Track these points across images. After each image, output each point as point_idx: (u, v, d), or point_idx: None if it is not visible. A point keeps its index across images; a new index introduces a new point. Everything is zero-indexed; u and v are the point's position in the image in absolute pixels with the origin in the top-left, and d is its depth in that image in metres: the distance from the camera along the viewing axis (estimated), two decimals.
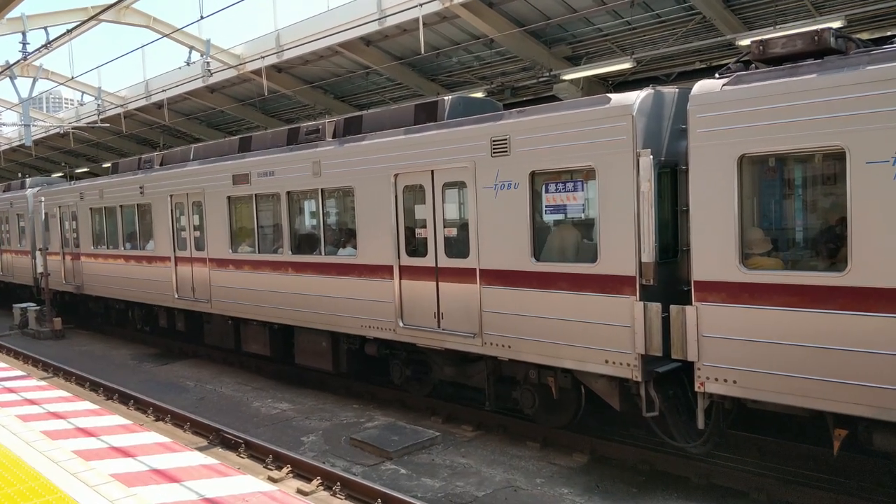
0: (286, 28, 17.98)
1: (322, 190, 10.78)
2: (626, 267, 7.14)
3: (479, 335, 8.62)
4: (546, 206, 8.00)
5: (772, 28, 11.52)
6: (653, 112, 7.16)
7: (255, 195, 12.03)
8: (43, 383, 10.88)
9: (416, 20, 13.42)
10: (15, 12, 15.29)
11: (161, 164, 15.29)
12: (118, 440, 7.14)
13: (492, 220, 8.39)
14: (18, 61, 17.64)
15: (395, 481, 7.92)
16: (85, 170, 34.54)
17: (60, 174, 34.56)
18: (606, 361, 7.37)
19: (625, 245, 7.13)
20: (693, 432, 7.25)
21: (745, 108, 6.19)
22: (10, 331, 20.08)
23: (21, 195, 21.54)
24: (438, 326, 9.14)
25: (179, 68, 19.02)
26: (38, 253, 19.69)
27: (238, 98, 21.59)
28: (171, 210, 14.21)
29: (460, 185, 8.85)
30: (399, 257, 9.62)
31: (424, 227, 9.31)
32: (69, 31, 15.73)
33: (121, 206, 16.12)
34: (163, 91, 21.00)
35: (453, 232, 9.02)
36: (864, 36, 11.54)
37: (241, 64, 18.67)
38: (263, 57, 17.29)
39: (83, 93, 24.59)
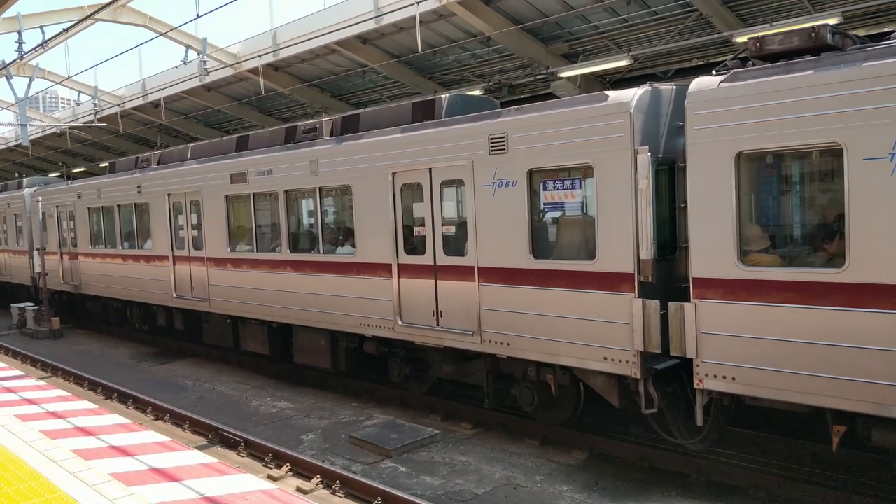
0: (283, 26, 17.94)
1: (320, 188, 10.77)
2: (625, 264, 7.14)
3: (477, 333, 8.62)
4: (544, 204, 8.00)
5: (768, 25, 11.53)
6: (650, 109, 7.17)
7: (253, 194, 12.02)
8: (42, 383, 10.87)
9: (413, 18, 13.40)
10: (10, 11, 15.23)
11: (158, 164, 15.27)
12: (117, 439, 7.14)
13: (490, 217, 8.39)
14: (14, 61, 17.60)
15: (394, 479, 7.93)
16: (82, 169, 34.47)
17: (57, 174, 34.50)
18: (605, 359, 7.38)
19: (623, 242, 7.14)
20: (692, 429, 7.27)
21: (743, 105, 6.20)
22: (8, 331, 20.06)
23: (18, 195, 21.50)
24: (437, 324, 9.15)
25: (176, 67, 18.96)
26: (35, 253, 19.66)
27: (235, 97, 21.56)
28: (169, 209, 14.19)
29: (458, 184, 8.85)
30: (397, 255, 9.62)
31: (423, 225, 9.31)
32: (65, 31, 15.69)
33: (118, 206, 16.09)
34: (159, 90, 20.96)
35: (451, 230, 9.02)
36: (861, 32, 11.55)
37: (237, 63, 18.63)
38: (260, 55, 17.26)
39: (80, 92, 24.55)
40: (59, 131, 26.62)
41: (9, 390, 9.60)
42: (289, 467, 8.20)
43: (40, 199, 19.68)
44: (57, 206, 19.03)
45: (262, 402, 11.48)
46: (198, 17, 13.20)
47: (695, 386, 6.72)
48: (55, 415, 8.16)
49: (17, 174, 37.52)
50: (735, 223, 6.30)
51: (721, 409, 6.96)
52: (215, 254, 13.03)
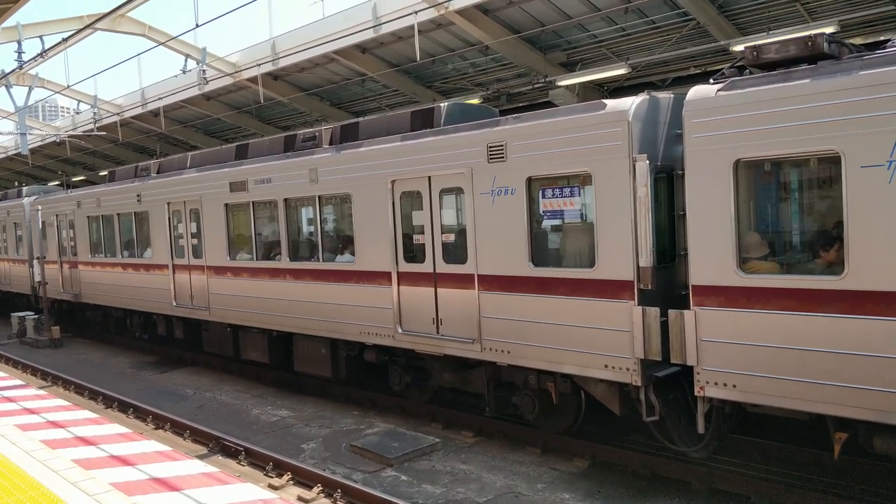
0: (282, 36, 18.03)
1: (319, 197, 10.80)
2: (624, 272, 7.16)
3: (477, 341, 8.63)
4: (543, 212, 8.03)
5: (765, 33, 11.60)
6: (648, 117, 7.20)
7: (253, 202, 12.04)
8: (42, 392, 10.85)
9: (412, 27, 13.48)
10: (10, 21, 15.29)
11: (158, 172, 15.30)
12: (118, 449, 7.14)
13: (489, 225, 8.41)
14: (14, 70, 17.67)
15: (395, 488, 7.92)
16: (82, 178, 34.51)
17: (57, 182, 34.55)
18: (606, 366, 7.39)
19: (622, 250, 7.16)
20: (693, 437, 7.27)
21: (740, 114, 6.24)
22: (8, 340, 20.03)
23: (18, 204, 21.52)
24: (437, 332, 9.15)
25: (175, 76, 19.03)
26: (35, 262, 19.65)
27: (234, 106, 21.62)
28: (169, 218, 14.21)
29: (457, 192, 8.88)
30: (397, 263, 9.63)
31: (422, 233, 9.33)
32: (65, 40, 15.77)
33: (118, 215, 16.11)
34: (159, 99, 21.02)
35: (451, 238, 9.04)
36: (858, 41, 11.64)
37: (237, 72, 18.70)
38: (259, 64, 17.33)
39: (79, 101, 24.61)
40: (58, 140, 26.70)
41: (9, 400, 9.59)
42: (290, 476, 8.18)
43: (40, 207, 19.69)
44: (57, 215, 19.04)
45: (262, 410, 11.47)
46: (197, 26, 13.26)
47: (696, 393, 6.72)
48: (55, 424, 8.15)
49: (16, 183, 37.57)
50: (734, 231, 6.32)
51: (722, 417, 6.96)
52: (215, 262, 13.04)
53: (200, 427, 10.09)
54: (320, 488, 7.75)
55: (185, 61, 17.74)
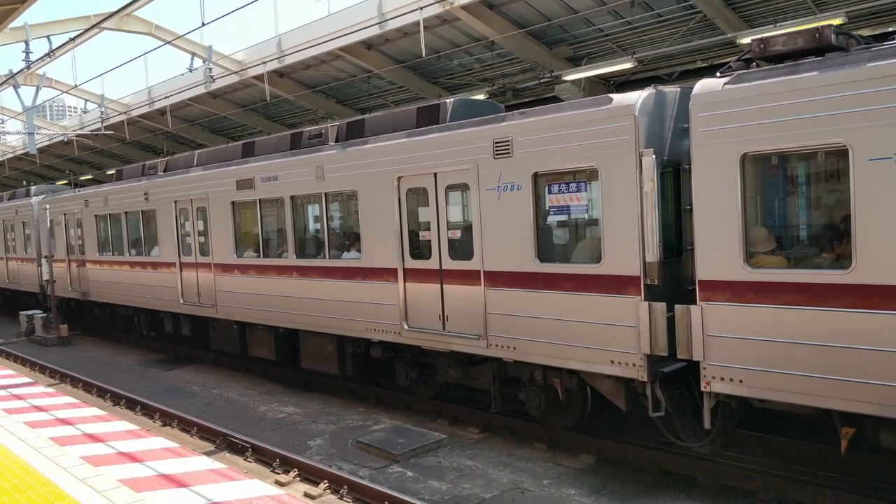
0: (287, 33, 18.03)
1: (326, 194, 10.80)
2: (631, 267, 7.14)
3: (484, 337, 8.62)
4: (549, 207, 8.01)
5: (772, 26, 11.51)
6: (655, 112, 7.17)
7: (259, 200, 12.07)
8: (50, 390, 10.91)
9: (417, 23, 13.45)
10: (18, 21, 15.34)
11: (165, 171, 15.35)
12: (126, 445, 7.17)
13: (495, 221, 8.40)
14: (22, 70, 17.74)
15: (401, 484, 7.93)
16: (89, 177, 34.66)
17: (65, 181, 34.72)
18: (612, 362, 7.37)
19: (629, 245, 7.13)
20: (699, 432, 7.24)
21: (747, 107, 6.19)
22: (16, 338, 20.16)
23: (26, 203, 21.64)
24: (443, 329, 9.15)
25: (182, 75, 19.10)
26: (43, 260, 19.77)
27: (240, 103, 21.66)
28: (176, 216, 14.25)
29: (463, 188, 8.87)
30: (403, 260, 9.63)
31: (428, 229, 9.33)
32: (72, 40, 15.82)
33: (125, 213, 16.18)
34: (165, 98, 21.08)
35: (457, 234, 9.03)
36: (866, 33, 11.54)
37: (242, 69, 18.72)
38: (265, 62, 17.34)
39: (86, 100, 24.67)
40: (66, 139, 26.81)
41: (18, 397, 9.66)
42: (296, 472, 8.21)
43: (48, 206, 19.80)
44: (65, 214, 19.14)
45: (269, 407, 11.51)
46: (203, 24, 13.27)
47: (702, 389, 6.69)
48: (64, 421, 8.20)
49: (24, 182, 37.81)
50: (741, 225, 6.29)
51: (728, 412, 6.93)
52: (222, 260, 13.08)
53: (207, 424, 10.14)
54: (327, 484, 7.77)
55: (192, 60, 17.77)
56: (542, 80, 14.78)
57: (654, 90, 7.22)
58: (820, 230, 6.35)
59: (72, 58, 22.39)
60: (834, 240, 6.03)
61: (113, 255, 16.91)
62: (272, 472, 8.40)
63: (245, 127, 24.01)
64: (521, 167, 8.06)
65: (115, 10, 14.71)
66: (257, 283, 12.25)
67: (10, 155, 34.12)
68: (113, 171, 18.73)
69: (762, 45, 6.44)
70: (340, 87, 18.99)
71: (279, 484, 7.90)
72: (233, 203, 12.65)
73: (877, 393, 5.61)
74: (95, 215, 17.52)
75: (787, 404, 6.30)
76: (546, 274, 7.93)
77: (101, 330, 19.65)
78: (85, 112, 26.83)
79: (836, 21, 10.47)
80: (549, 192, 7.95)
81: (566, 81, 14.80)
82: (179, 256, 14.29)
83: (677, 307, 6.79)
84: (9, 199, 23.90)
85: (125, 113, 23.84)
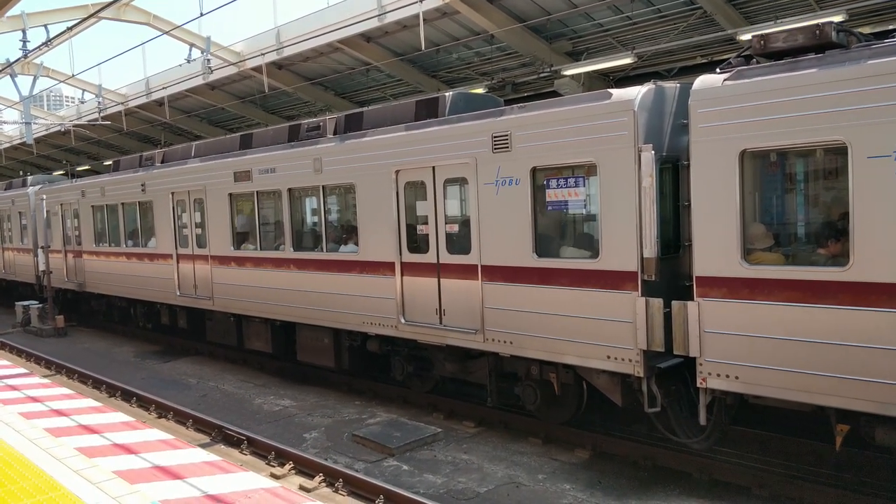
0: (286, 25, 17.97)
1: (323, 187, 10.78)
2: (628, 262, 7.13)
3: (480, 331, 8.62)
4: (547, 202, 7.99)
5: (772, 22, 11.49)
6: (654, 107, 7.15)
7: (257, 192, 12.03)
8: (46, 381, 10.91)
9: (417, 16, 13.40)
10: (15, 10, 15.26)
11: (162, 162, 15.29)
12: (121, 437, 7.17)
13: (493, 216, 8.38)
14: (19, 59, 17.63)
15: (397, 477, 7.94)
16: (86, 167, 34.56)
17: (62, 172, 34.60)
18: (608, 357, 7.37)
19: (626, 240, 7.13)
20: (695, 428, 7.25)
21: (747, 103, 6.18)
22: (12, 329, 20.12)
23: (23, 193, 21.55)
24: (440, 323, 9.15)
25: (180, 66, 19.02)
26: (40, 251, 19.70)
27: (238, 95, 21.58)
28: (173, 207, 14.21)
29: (461, 182, 8.85)
30: (401, 254, 9.62)
31: (426, 223, 9.31)
32: (69, 29, 15.71)
33: (122, 204, 16.13)
34: (163, 88, 21.00)
35: (455, 228, 9.01)
36: (866, 30, 11.53)
37: (241, 61, 18.65)
38: (264, 54, 17.28)
39: (84, 90, 24.56)
40: (63, 129, 26.68)
41: (13, 388, 9.65)
42: (291, 465, 8.21)
43: (44, 197, 19.73)
44: (61, 205, 19.07)
45: (265, 400, 11.50)
46: (202, 15, 13.21)
47: (698, 385, 6.70)
48: (59, 412, 8.19)
49: (21, 172, 37.67)
50: (739, 221, 6.28)
51: (724, 408, 6.94)
52: (219, 252, 13.05)
53: (203, 416, 10.13)
54: (322, 477, 7.77)
55: (190, 50, 17.69)
56: (542, 75, 14.75)
57: (654, 86, 7.20)
58: (818, 227, 6.35)
59: (69, 47, 22.28)
60: (832, 237, 6.02)
61: (110, 246, 16.86)
62: (267, 464, 8.40)
63: (243, 119, 23.94)
64: (520, 161, 8.04)
65: None
66: (254, 276, 12.22)
67: (7, 145, 33.99)
68: (110, 162, 18.67)
69: (762, 42, 6.42)
70: (339, 79, 18.93)
71: (274, 477, 7.90)
72: (230, 195, 12.61)
73: (872, 390, 5.62)
74: (92, 206, 17.46)
75: (783, 401, 6.31)
76: (543, 269, 7.92)
77: (97, 321, 19.62)
78: (82, 102, 26.73)
79: (837, 18, 10.44)
80: (548, 187, 7.93)
81: (565, 76, 14.77)
82: (176, 248, 14.26)
83: (674, 303, 6.79)
84: (5, 190, 23.81)
85: (123, 103, 23.75)
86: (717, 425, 7.03)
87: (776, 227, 6.57)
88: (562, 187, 7.84)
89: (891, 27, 11.72)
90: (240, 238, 12.72)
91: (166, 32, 17.74)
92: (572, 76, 14.84)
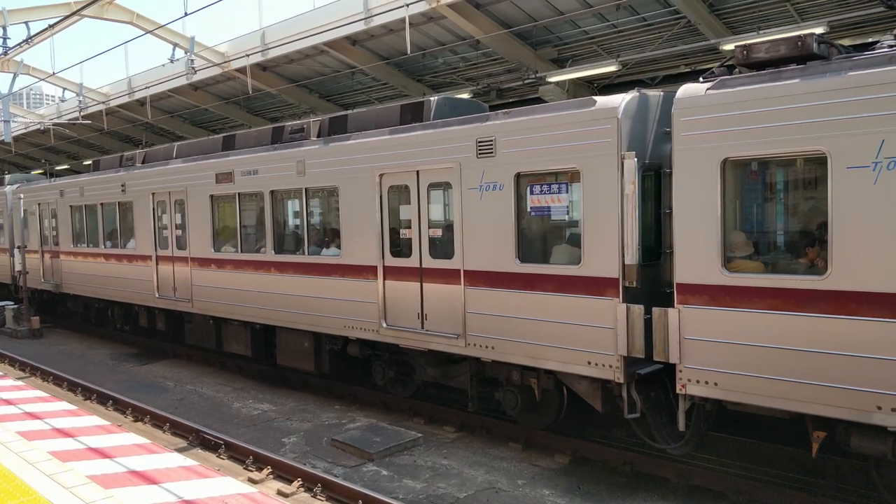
0: (271, 26, 17.89)
1: (306, 189, 10.71)
2: (610, 269, 7.15)
3: (462, 336, 8.60)
4: (531, 208, 8.00)
5: (755, 33, 11.63)
6: (638, 115, 7.19)
7: (239, 194, 11.93)
8: (20, 383, 10.71)
9: (403, 20, 13.40)
10: None
11: (143, 162, 15.13)
12: (96, 441, 7.04)
13: (477, 221, 8.38)
14: None
15: (376, 483, 7.88)
16: (65, 167, 34.12)
17: (40, 171, 34.13)
18: (589, 363, 7.38)
19: (608, 247, 7.15)
20: (674, 434, 7.28)
21: (729, 112, 6.24)
22: None
23: None
24: (422, 327, 9.11)
25: (163, 65, 18.81)
26: (16, 251, 19.39)
27: (222, 96, 21.43)
28: (153, 208, 14.05)
29: (445, 186, 8.84)
30: (383, 258, 9.58)
31: (409, 227, 9.28)
32: (51, 27, 15.53)
33: (102, 204, 15.92)
34: (146, 88, 20.80)
35: (438, 233, 9.00)
36: (846, 42, 11.70)
37: (225, 62, 18.52)
38: (248, 55, 17.18)
39: (65, 89, 24.28)
40: (42, 128, 26.33)
41: None
42: (270, 470, 8.12)
43: (22, 196, 19.43)
44: (39, 204, 18.79)
45: (243, 404, 11.38)
46: (185, 14, 13.10)
47: (677, 391, 6.73)
48: (33, 416, 8.03)
49: None
50: (720, 229, 6.33)
51: (703, 415, 6.98)
52: (199, 254, 12.91)
53: (180, 420, 9.99)
54: (300, 482, 7.70)
55: (173, 50, 17.53)
56: (527, 81, 14.80)
57: (638, 94, 7.24)
58: (797, 236, 6.41)
59: (50, 45, 22.06)
60: (810, 246, 6.09)
61: (88, 246, 16.64)
62: (245, 469, 8.30)
63: (226, 120, 23.77)
64: (504, 167, 8.04)
65: None
66: (234, 279, 12.11)
67: None
68: (90, 162, 18.43)
69: (745, 52, 6.49)
70: (324, 82, 18.87)
71: (252, 482, 7.80)
72: (212, 196, 12.49)
73: (848, 398, 5.68)
74: (71, 206, 17.22)
75: (761, 407, 6.35)
76: (526, 274, 7.93)
77: (73, 323, 19.34)
78: (63, 101, 26.40)
79: (818, 30, 10.60)
80: (531, 193, 7.95)
81: (550, 83, 14.84)
82: (156, 249, 14.09)
83: (655, 310, 6.82)
84: None
85: (104, 102, 23.48)
86: (696, 431, 7.06)
87: (756, 235, 6.63)
88: (545, 193, 7.86)
89: (870, 40, 11.92)
90: (220, 240, 12.60)
91: (150, 32, 17.59)
92: (557, 83, 14.91)
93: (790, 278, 6.03)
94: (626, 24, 13.44)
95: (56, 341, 17.98)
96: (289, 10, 21.22)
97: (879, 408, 5.54)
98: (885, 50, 5.75)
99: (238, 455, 8.67)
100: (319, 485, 7.52)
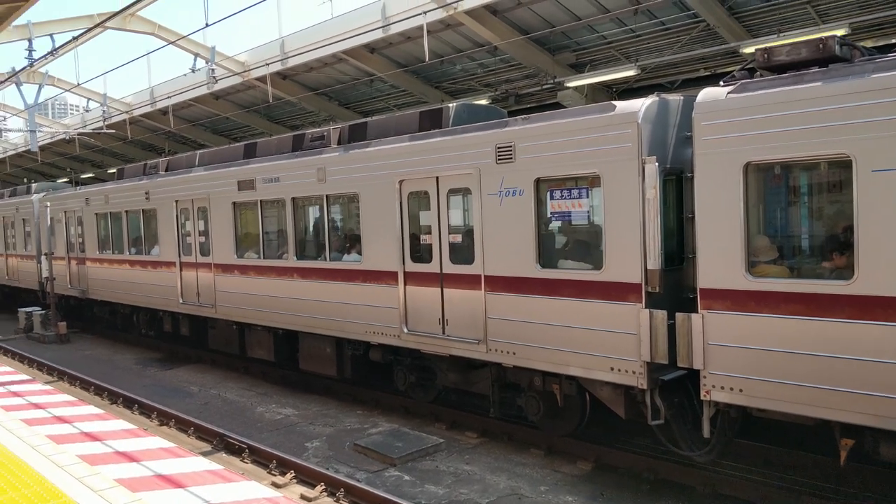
0: (291, 35, 18.06)
1: (327, 196, 10.80)
2: (632, 274, 7.13)
3: (483, 341, 8.61)
4: (551, 213, 8.01)
5: (776, 36, 11.54)
6: (658, 119, 7.17)
7: (261, 201, 12.06)
8: (48, 387, 10.89)
9: (421, 28, 13.46)
10: (21, 19, 15.34)
11: (166, 170, 15.35)
12: (123, 445, 7.16)
13: (496, 226, 8.39)
14: (24, 68, 17.72)
15: (398, 488, 7.91)
16: (90, 175, 34.66)
17: (66, 179, 34.71)
18: (612, 369, 7.36)
19: (630, 252, 7.13)
20: (698, 441, 7.23)
21: (750, 116, 6.20)
22: (15, 335, 20.14)
23: (27, 200, 21.63)
24: (443, 333, 9.14)
25: (184, 75, 19.08)
26: (43, 258, 19.75)
27: (243, 105, 21.66)
28: (177, 215, 14.25)
29: (465, 192, 8.87)
30: (404, 263, 9.62)
31: (429, 233, 9.32)
32: (75, 39, 15.81)
33: (126, 212, 16.17)
34: (168, 98, 21.09)
35: (458, 238, 9.03)
36: (869, 44, 11.57)
37: (245, 71, 18.74)
38: (268, 64, 17.35)
39: (89, 99, 24.69)
40: (67, 137, 26.80)
41: (15, 394, 9.64)
42: (293, 474, 8.18)
43: (49, 204, 19.79)
44: (65, 212, 19.13)
45: (266, 408, 11.48)
46: (206, 25, 13.28)
47: (701, 397, 6.68)
48: (61, 419, 8.18)
49: (25, 179, 37.76)
50: (743, 234, 6.29)
51: (728, 421, 6.92)
52: (222, 260, 13.07)
53: (205, 424, 10.11)
54: (323, 487, 7.75)
55: (195, 60, 17.78)
56: (545, 87, 14.79)
57: (658, 98, 7.23)
58: (822, 240, 6.34)
59: (75, 56, 22.52)
60: (836, 250, 6.02)
61: (113, 253, 16.90)
62: (269, 473, 8.37)
63: (247, 128, 24.02)
64: (523, 172, 8.06)
65: (118, 9, 14.73)
66: (257, 284, 12.23)
67: (12, 152, 34.12)
68: (114, 170, 18.73)
69: (766, 55, 6.46)
70: (343, 90, 19.01)
71: (276, 486, 7.87)
72: (234, 203, 12.64)
73: (877, 405, 5.60)
74: (96, 213, 17.51)
75: (787, 414, 6.28)
76: (547, 279, 7.92)
77: (99, 328, 19.63)
78: (87, 111, 26.84)
79: (840, 32, 10.49)
80: (551, 198, 7.95)
81: (569, 88, 14.82)
82: (179, 256, 14.28)
83: (678, 315, 6.78)
84: (10, 196, 23.90)
85: (127, 112, 23.84)
86: (721, 438, 7.00)
87: (780, 239, 6.57)
88: (565, 198, 7.85)
89: (894, 41, 11.77)
90: (243, 246, 12.74)
91: (171, 43, 17.85)
92: (575, 88, 14.89)
93: (815, 283, 5.96)
94: (645, 28, 13.40)
95: (82, 346, 18.27)
96: (308, 20, 21.47)
97: None
98: None
99: (261, 459, 8.75)
100: (342, 489, 7.56)
